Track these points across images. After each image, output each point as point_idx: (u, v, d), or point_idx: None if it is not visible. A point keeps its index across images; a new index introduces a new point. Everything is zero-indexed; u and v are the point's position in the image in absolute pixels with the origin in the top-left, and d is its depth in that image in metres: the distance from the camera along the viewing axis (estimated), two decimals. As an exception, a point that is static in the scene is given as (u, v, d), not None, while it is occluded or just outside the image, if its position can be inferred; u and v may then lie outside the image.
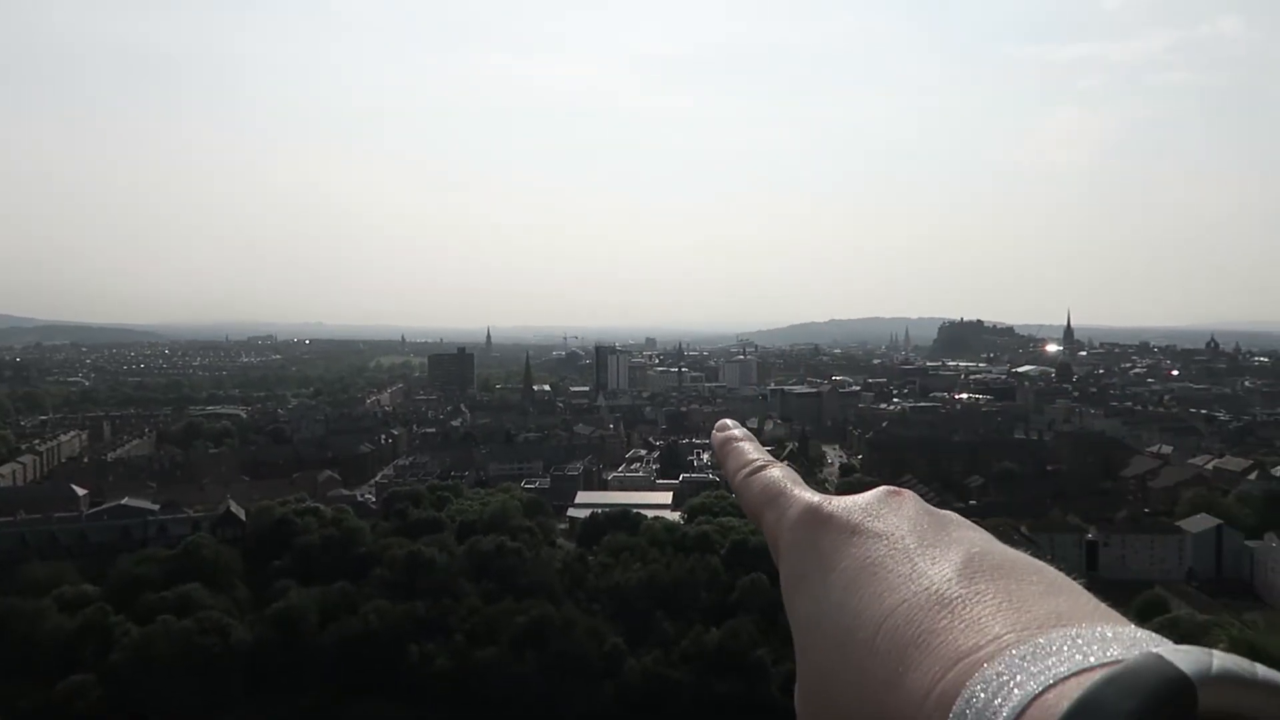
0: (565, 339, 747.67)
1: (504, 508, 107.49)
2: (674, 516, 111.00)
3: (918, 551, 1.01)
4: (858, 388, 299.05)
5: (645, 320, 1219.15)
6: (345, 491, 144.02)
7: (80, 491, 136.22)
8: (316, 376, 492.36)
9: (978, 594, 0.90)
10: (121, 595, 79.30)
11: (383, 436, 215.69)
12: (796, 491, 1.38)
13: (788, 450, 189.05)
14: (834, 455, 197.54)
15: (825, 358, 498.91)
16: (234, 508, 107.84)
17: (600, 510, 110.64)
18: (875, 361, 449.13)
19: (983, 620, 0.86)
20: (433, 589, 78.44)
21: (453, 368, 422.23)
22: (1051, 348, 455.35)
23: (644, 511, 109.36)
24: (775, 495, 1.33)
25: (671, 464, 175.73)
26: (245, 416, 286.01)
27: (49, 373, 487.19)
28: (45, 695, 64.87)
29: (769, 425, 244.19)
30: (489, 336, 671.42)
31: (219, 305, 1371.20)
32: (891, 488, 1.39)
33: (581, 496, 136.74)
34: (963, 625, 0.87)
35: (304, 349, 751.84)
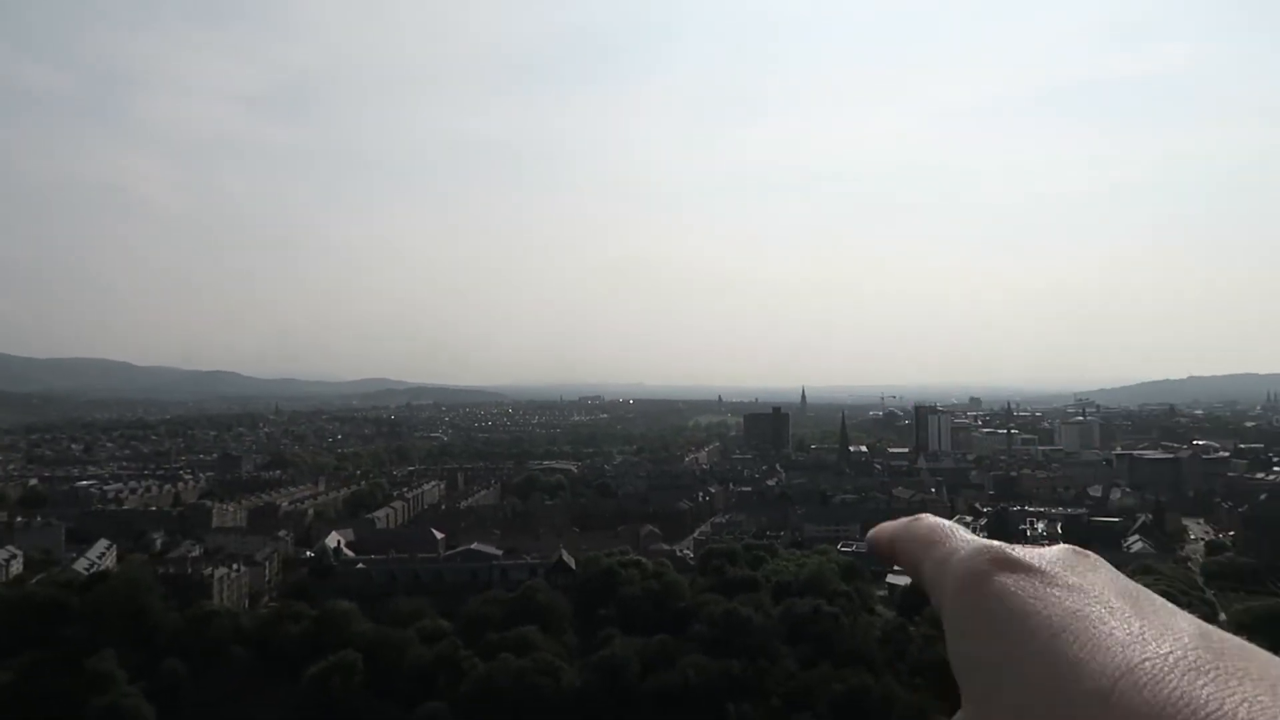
0: (882, 398, 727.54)
1: (820, 570, 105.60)
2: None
3: (1135, 613, 0.96)
4: (1226, 454, 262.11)
5: (968, 378, 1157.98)
6: (665, 546, 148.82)
7: (439, 535, 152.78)
8: (639, 434, 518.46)
9: (1236, 670, 0.86)
10: (470, 631, 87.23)
11: (700, 494, 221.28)
12: (965, 533, 1.31)
13: (1139, 523, 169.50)
14: (1197, 530, 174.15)
15: (1183, 419, 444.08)
16: (565, 556, 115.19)
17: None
18: (1248, 424, 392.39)
19: (1260, 699, 0.84)
20: (749, 648, 78.43)
21: (768, 427, 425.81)
22: None
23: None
24: (943, 536, 1.27)
25: (1001, 533, 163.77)
26: (576, 471, 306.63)
27: (416, 429, 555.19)
28: (407, 716, 72.42)
29: (1115, 494, 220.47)
30: (804, 396, 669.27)
31: (554, 368, 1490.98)
32: (1077, 547, 1.28)
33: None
34: (1234, 698, 0.85)
35: (628, 408, 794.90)
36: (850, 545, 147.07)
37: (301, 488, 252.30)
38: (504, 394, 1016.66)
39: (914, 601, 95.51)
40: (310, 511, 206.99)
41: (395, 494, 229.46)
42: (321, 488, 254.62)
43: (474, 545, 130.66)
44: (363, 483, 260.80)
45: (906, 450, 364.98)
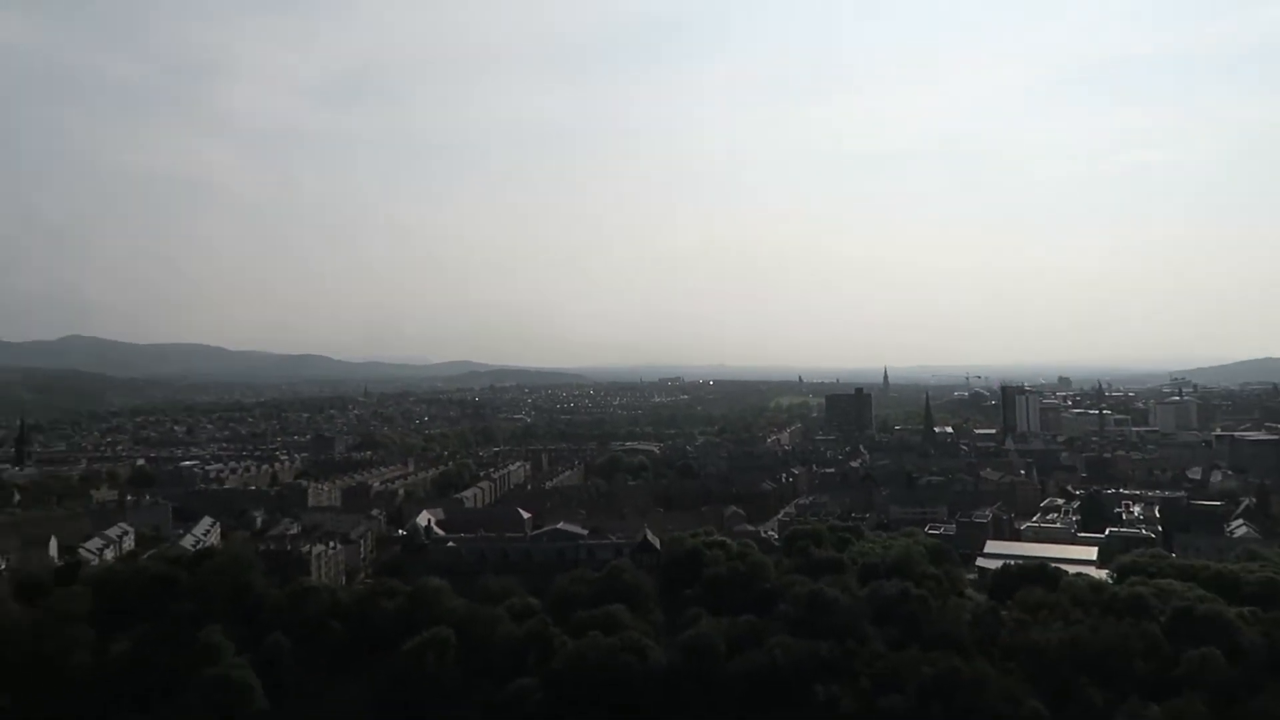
0: (967, 378, 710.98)
1: (908, 552, 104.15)
2: (1099, 574, 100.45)
3: None
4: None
5: (1056, 357, 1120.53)
6: (749, 527, 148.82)
7: (525, 515, 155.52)
8: (720, 415, 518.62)
9: None
10: (558, 609, 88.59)
11: (783, 475, 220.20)
12: None
13: (1242, 507, 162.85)
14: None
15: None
16: (650, 536, 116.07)
17: (1013, 562, 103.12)
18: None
19: None
20: (835, 630, 77.91)
21: (850, 408, 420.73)
22: None
23: (1063, 566, 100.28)
24: None
25: (1094, 516, 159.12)
26: (658, 452, 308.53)
27: (500, 411, 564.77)
28: (498, 692, 74.10)
29: (1215, 477, 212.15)
30: (886, 376, 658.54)
31: (634, 350, 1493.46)
32: None
33: (991, 546, 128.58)
34: None
35: (708, 389, 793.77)
36: (938, 527, 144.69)
37: (392, 468, 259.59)
38: (584, 376, 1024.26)
39: (1006, 585, 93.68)
40: (401, 491, 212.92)
41: (482, 474, 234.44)
42: (411, 468, 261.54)
43: (560, 525, 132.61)
44: (450, 463, 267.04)
45: (993, 431, 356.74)
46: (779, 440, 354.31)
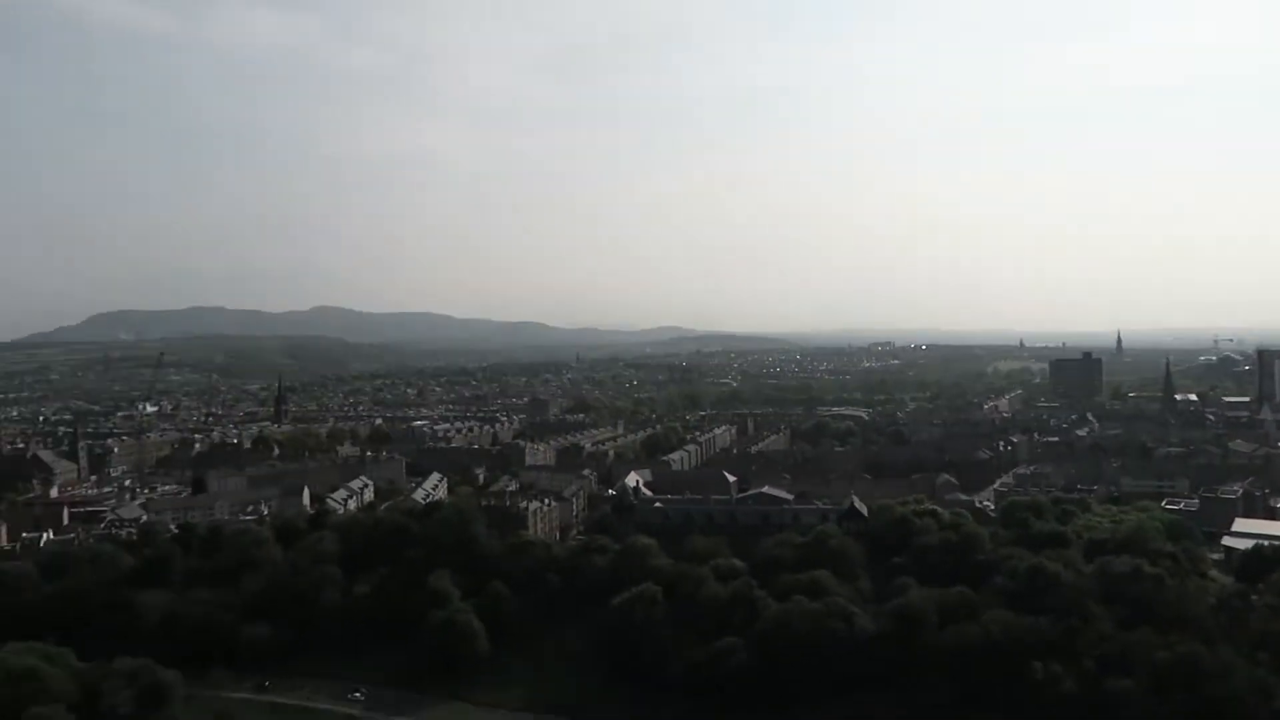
0: (1215, 341, 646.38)
1: (1141, 528, 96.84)
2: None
3: None
4: None
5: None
6: (963, 496, 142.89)
7: (730, 478, 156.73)
8: (933, 381, 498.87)
9: None
10: (763, 572, 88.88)
11: (1001, 443, 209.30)
12: None
13: None
14: None
15: None
16: (857, 503, 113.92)
17: (1268, 542, 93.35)
18: None
19: None
20: (1056, 607, 73.63)
21: (1077, 374, 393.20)
22: None
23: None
24: None
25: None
26: (866, 418, 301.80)
27: (706, 375, 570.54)
28: (704, 650, 75.50)
29: None
30: (1119, 340, 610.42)
31: (841, 315, 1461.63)
32: None
33: (1240, 524, 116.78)
34: None
35: (920, 354, 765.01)
36: (1176, 503, 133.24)
37: (602, 430, 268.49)
38: (790, 341, 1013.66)
39: (1258, 567, 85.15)
40: (611, 452, 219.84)
41: (689, 437, 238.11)
42: (620, 430, 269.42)
43: (765, 489, 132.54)
44: (658, 426, 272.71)
45: (1246, 400, 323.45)
46: (996, 407, 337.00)
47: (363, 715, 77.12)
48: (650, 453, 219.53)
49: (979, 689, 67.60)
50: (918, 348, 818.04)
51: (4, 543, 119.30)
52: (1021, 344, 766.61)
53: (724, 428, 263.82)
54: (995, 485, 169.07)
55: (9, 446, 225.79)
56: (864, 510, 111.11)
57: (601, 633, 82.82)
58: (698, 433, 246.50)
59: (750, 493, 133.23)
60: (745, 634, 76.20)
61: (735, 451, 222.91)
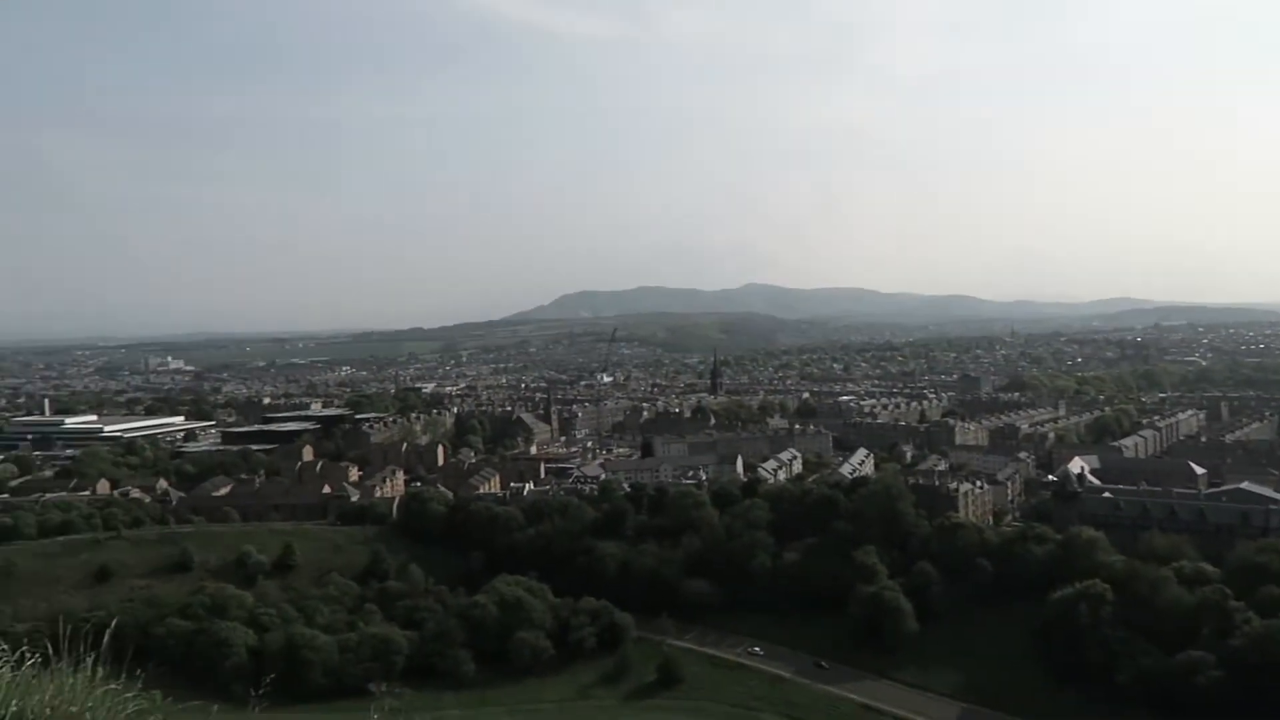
0: None
1: None
2: None
3: None
4: None
5: None
6: None
7: (1198, 470, 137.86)
8: None
9: None
10: (1239, 580, 77.40)
11: None
12: None
13: None
14: None
15: None
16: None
17: None
18: None
19: None
20: None
21: None
22: None
23: None
24: None
25: None
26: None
27: (1166, 352, 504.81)
28: (1163, 661, 67.81)
29: None
30: None
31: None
32: None
33: None
34: None
35: None
36: None
37: (1040, 410, 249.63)
38: (1277, 311, 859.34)
39: None
40: (1050, 435, 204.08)
41: (1144, 421, 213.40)
42: (1061, 411, 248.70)
43: (1244, 484, 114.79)
44: (1106, 408, 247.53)
45: None
46: None
47: (790, 678, 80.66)
48: (1097, 437, 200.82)
49: None
50: None
51: (498, 489, 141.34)
52: None
53: (1190, 412, 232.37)
54: None
55: (500, 409, 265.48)
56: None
57: (1038, 627, 78.07)
58: (1155, 417, 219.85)
59: (1224, 488, 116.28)
60: (1217, 649, 67.25)
61: (1204, 440, 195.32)
